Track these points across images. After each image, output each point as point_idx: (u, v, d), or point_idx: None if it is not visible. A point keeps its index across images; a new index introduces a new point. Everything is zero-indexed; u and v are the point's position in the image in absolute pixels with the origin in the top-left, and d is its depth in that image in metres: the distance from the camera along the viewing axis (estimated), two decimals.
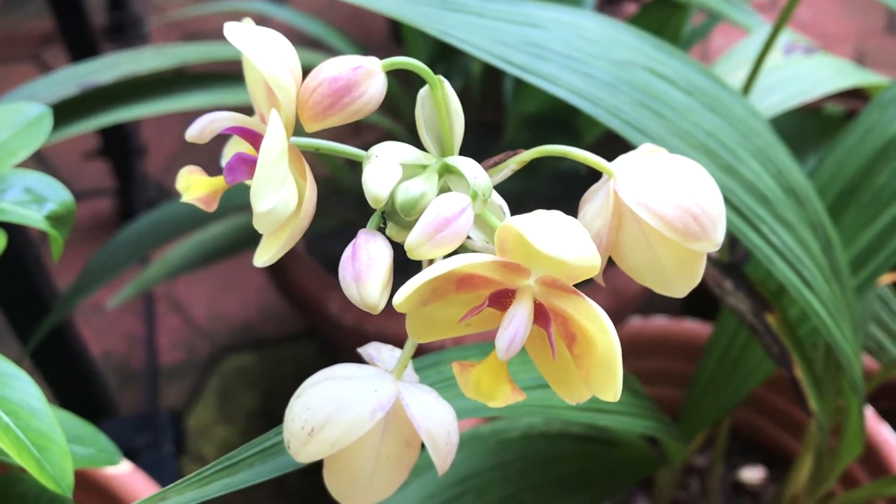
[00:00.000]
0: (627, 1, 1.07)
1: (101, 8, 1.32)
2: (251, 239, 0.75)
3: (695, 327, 0.73)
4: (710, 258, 0.38)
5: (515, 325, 0.19)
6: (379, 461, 0.24)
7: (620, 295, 0.73)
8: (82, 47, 0.91)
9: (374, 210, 0.21)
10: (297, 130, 0.22)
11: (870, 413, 0.68)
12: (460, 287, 0.20)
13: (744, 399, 0.73)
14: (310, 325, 0.99)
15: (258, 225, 0.20)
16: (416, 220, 0.20)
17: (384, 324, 0.70)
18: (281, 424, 0.25)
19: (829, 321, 0.41)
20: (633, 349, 0.75)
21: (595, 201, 0.23)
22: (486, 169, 0.24)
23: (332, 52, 0.81)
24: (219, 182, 0.23)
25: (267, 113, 0.21)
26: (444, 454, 0.23)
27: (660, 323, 0.75)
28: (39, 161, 1.16)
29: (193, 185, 0.23)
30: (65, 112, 0.50)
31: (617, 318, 0.74)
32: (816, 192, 0.51)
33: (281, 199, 0.20)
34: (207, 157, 1.17)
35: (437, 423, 0.23)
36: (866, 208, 0.49)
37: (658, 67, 0.37)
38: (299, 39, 0.91)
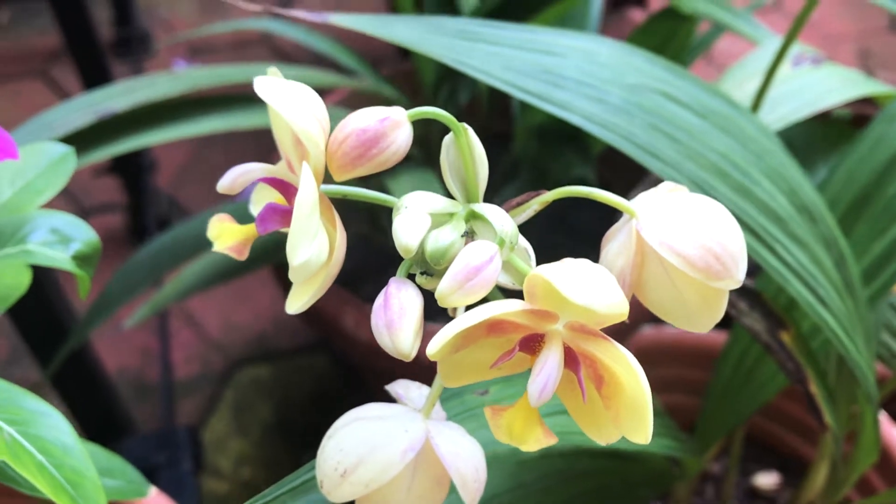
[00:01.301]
0: (633, 7, 1.08)
1: (108, 23, 1.33)
2: (264, 257, 0.75)
3: (708, 335, 0.73)
4: None
5: (547, 371, 0.20)
6: (409, 500, 0.24)
7: (633, 304, 0.73)
8: (90, 63, 0.92)
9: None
10: (326, 177, 0.23)
11: (884, 419, 0.69)
12: (490, 332, 0.21)
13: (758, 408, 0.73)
14: (323, 337, 0.99)
15: (294, 276, 0.21)
16: (446, 268, 0.20)
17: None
18: (311, 460, 0.25)
19: (843, 335, 0.42)
20: (645, 358, 0.76)
21: (618, 239, 0.24)
22: (509, 210, 0.24)
23: (339, 68, 0.82)
24: (250, 230, 0.23)
25: (296, 162, 0.22)
26: (473, 491, 0.24)
27: (672, 331, 0.75)
28: None
29: (224, 234, 0.23)
30: (81, 140, 0.51)
31: (629, 326, 0.75)
32: (827, 203, 0.52)
33: (315, 251, 0.20)
34: (220, 170, 1.17)
35: (466, 460, 0.24)
36: (878, 219, 0.50)
37: (669, 90, 0.38)
38: (306, 56, 0.92)
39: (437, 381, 0.24)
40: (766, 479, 0.74)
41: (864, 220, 0.50)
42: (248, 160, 0.23)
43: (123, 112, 0.51)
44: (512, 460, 0.43)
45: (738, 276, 0.23)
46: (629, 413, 0.20)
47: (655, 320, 0.78)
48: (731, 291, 0.40)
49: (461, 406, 0.31)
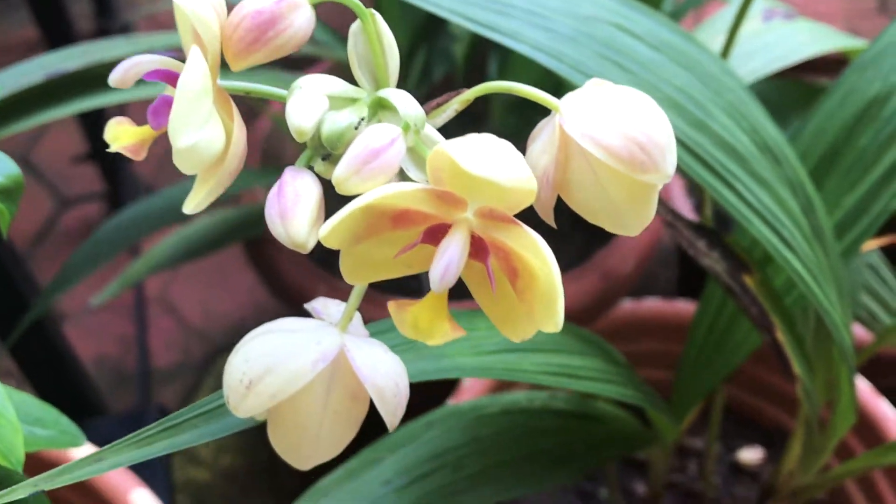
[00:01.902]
0: None
1: (89, 15, 1.32)
2: (236, 232, 0.74)
3: (688, 308, 0.72)
4: (684, 220, 0.38)
5: (449, 254, 0.18)
6: (325, 417, 0.23)
7: (611, 277, 0.72)
8: None
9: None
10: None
11: (865, 386, 0.67)
12: (397, 224, 0.19)
13: (737, 376, 0.72)
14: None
15: (178, 162, 0.19)
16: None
17: (371, 313, 0.69)
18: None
19: (812, 282, 0.40)
20: (625, 332, 0.74)
21: (541, 138, 0.22)
22: (429, 111, 0.23)
23: (315, 42, 0.80)
24: (147, 131, 0.22)
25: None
26: (392, 406, 0.22)
27: (652, 304, 0.74)
28: (27, 167, 1.15)
29: (121, 135, 0.22)
30: (30, 101, 0.49)
31: (609, 300, 0.73)
32: (798, 156, 0.50)
33: (203, 137, 0.19)
34: None
35: (385, 374, 0.22)
36: (848, 172, 0.48)
37: (624, 23, 0.36)
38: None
39: (355, 293, 0.23)
40: (750, 454, 0.73)
41: (835, 174, 0.49)
42: None
43: (76, 71, 0.50)
44: (471, 416, 0.42)
45: (666, 169, 0.21)
46: (542, 303, 0.19)
47: (634, 294, 0.77)
48: (691, 230, 0.38)
49: (399, 338, 0.30)
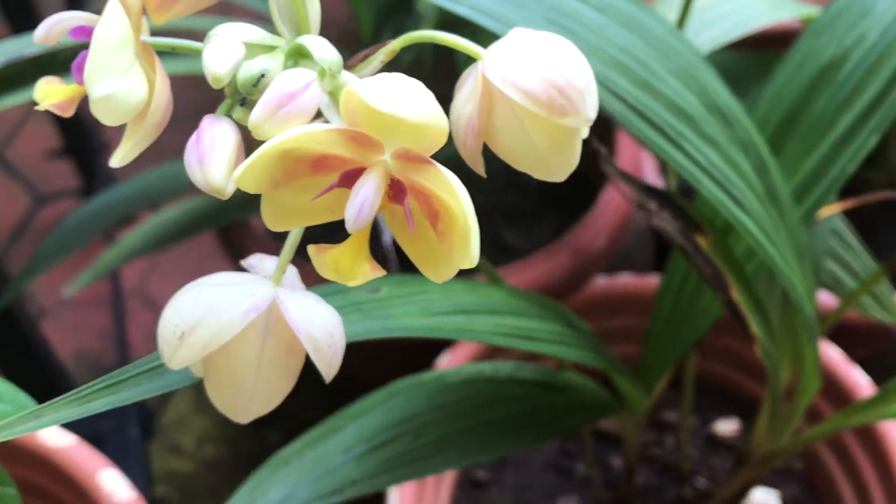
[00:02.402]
0: None
1: (60, 8, 1.31)
2: (208, 220, 0.74)
3: (656, 282, 0.72)
4: (635, 180, 0.38)
5: (363, 195, 0.19)
6: (261, 369, 0.23)
7: (583, 254, 0.72)
8: None
9: None
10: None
11: (836, 353, 0.68)
12: (316, 169, 0.20)
13: (710, 349, 0.72)
14: None
15: (96, 112, 0.19)
16: None
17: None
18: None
19: (765, 241, 0.41)
20: (600, 308, 0.75)
21: (466, 86, 0.23)
22: (356, 63, 0.23)
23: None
24: (76, 89, 0.22)
25: None
26: (327, 357, 0.23)
27: (625, 280, 0.74)
28: (3, 164, 1.15)
29: (50, 93, 0.22)
30: None
31: (582, 277, 0.74)
32: (757, 123, 0.51)
33: (121, 88, 0.19)
34: (172, 153, 1.16)
35: (319, 325, 0.23)
36: (806, 136, 0.49)
37: None
38: (244, 14, 0.90)
39: (287, 244, 0.23)
40: (726, 426, 0.73)
41: (793, 139, 0.49)
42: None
43: (36, 56, 0.50)
44: (434, 384, 0.42)
45: (587, 113, 0.22)
46: (460, 242, 0.19)
47: (609, 270, 0.77)
48: (641, 191, 0.39)
49: (344, 300, 0.30)
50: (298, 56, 0.21)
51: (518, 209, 0.85)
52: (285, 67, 0.20)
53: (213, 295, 0.22)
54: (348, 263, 0.20)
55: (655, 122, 0.36)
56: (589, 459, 0.65)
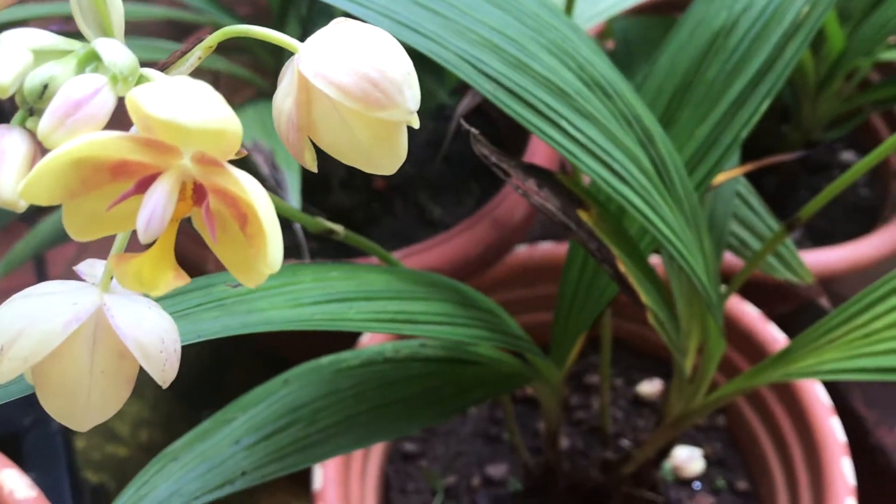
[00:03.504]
0: None
1: None
2: None
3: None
4: (511, 160, 0.38)
5: (152, 204, 0.18)
6: (94, 377, 0.23)
7: (503, 225, 0.73)
8: None
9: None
10: None
11: (753, 311, 0.69)
12: (116, 175, 0.19)
13: (631, 311, 0.73)
14: None
15: None
16: None
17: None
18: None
19: (651, 213, 0.41)
20: (522, 277, 0.75)
21: (285, 80, 0.22)
22: (172, 61, 0.22)
23: (191, 7, 0.78)
24: None
25: None
26: (158, 364, 0.22)
27: (546, 248, 0.75)
28: None
29: None
30: None
31: (502, 248, 0.74)
32: (653, 92, 0.51)
33: None
34: None
35: (149, 331, 0.22)
36: (699, 105, 0.49)
37: None
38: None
39: (114, 249, 0.23)
40: (649, 387, 0.75)
41: (687, 107, 0.50)
42: None
43: None
44: (330, 369, 0.42)
45: (406, 105, 0.21)
46: (265, 244, 0.19)
47: (530, 240, 0.78)
48: (519, 170, 0.39)
49: (206, 296, 0.30)
50: (96, 60, 0.20)
51: (444, 181, 0.85)
52: (82, 72, 0.20)
53: (35, 306, 0.22)
54: (151, 272, 0.20)
55: (529, 101, 0.36)
56: (511, 427, 0.65)
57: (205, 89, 0.18)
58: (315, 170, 0.23)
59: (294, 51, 0.22)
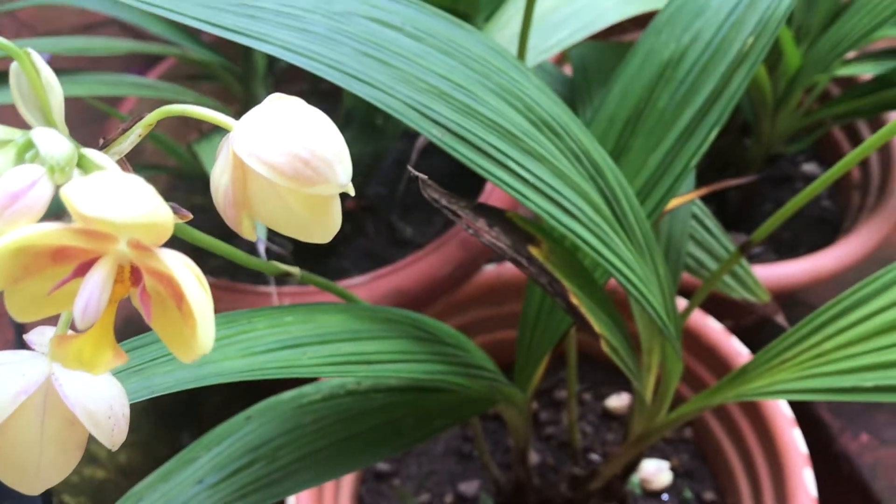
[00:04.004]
0: None
1: None
2: None
3: None
4: (461, 202, 0.39)
5: (88, 290, 0.19)
6: (45, 445, 0.24)
7: (471, 245, 0.74)
8: None
9: None
10: None
11: (717, 326, 0.71)
12: (57, 261, 0.20)
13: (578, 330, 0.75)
14: None
15: None
16: None
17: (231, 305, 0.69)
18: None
19: (600, 245, 0.42)
20: (490, 296, 0.76)
21: (221, 157, 0.23)
22: (114, 139, 0.23)
23: (149, 36, 0.79)
24: None
25: None
26: (107, 430, 0.23)
27: (513, 267, 0.76)
28: None
29: None
30: None
31: (471, 267, 0.75)
32: (606, 121, 0.52)
33: None
34: None
35: (97, 399, 0.23)
36: (651, 133, 0.51)
37: (382, 16, 0.37)
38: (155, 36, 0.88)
39: (61, 323, 0.24)
40: (617, 401, 0.76)
41: (639, 135, 0.51)
42: None
43: None
44: (291, 406, 0.43)
45: (337, 180, 0.23)
46: (196, 327, 0.20)
47: (498, 259, 0.79)
48: (469, 211, 0.40)
49: (158, 351, 0.31)
50: (35, 148, 0.21)
51: (414, 200, 0.86)
52: (22, 160, 0.21)
53: None
54: (90, 353, 0.21)
55: (476, 145, 0.37)
56: (480, 447, 0.67)
57: (135, 184, 0.19)
58: (254, 239, 0.24)
59: (228, 129, 0.23)
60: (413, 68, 0.37)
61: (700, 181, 0.92)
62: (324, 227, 0.23)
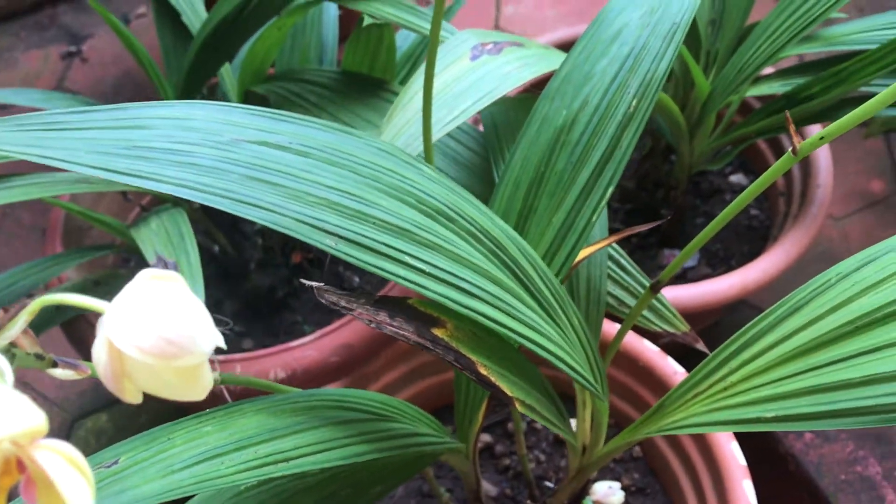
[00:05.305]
0: None
1: None
2: (53, 317, 0.76)
3: None
4: (361, 300, 0.42)
5: None
6: None
7: None
8: None
9: None
10: None
11: (652, 348, 0.74)
12: None
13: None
14: None
15: None
16: None
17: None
18: None
19: (503, 318, 0.45)
20: None
21: (98, 335, 0.26)
22: (6, 321, 0.26)
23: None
24: None
25: None
26: None
27: None
28: None
29: None
30: None
31: None
32: (512, 185, 0.55)
33: None
34: (29, 229, 1.15)
35: None
36: (553, 194, 0.54)
37: (268, 138, 0.40)
38: (97, 92, 0.91)
39: None
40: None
41: (543, 197, 0.54)
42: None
43: None
44: (230, 492, 0.46)
45: (200, 350, 0.25)
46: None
47: None
48: (369, 306, 0.43)
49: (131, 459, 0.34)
50: None
51: None
52: None
53: None
54: None
55: (371, 247, 0.40)
56: (435, 490, 0.69)
57: (11, 398, 0.22)
58: (139, 401, 0.27)
59: (101, 312, 0.26)
60: (301, 185, 0.39)
61: (632, 201, 0.95)
62: (195, 389, 0.26)
